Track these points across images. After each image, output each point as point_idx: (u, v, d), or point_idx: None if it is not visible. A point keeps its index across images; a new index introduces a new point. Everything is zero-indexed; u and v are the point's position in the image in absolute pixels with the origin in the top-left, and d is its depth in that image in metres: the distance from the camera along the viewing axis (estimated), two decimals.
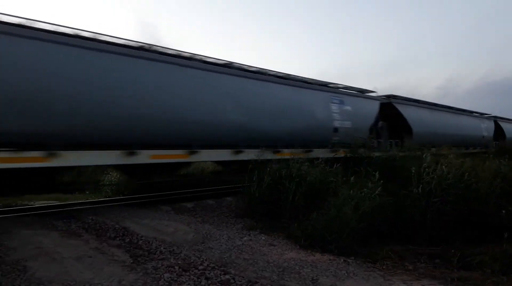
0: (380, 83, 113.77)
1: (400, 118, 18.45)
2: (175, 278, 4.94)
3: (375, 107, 17.49)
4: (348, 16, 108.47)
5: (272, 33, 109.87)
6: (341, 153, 13.41)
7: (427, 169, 7.94)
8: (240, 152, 11.47)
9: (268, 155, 11.07)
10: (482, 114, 28.28)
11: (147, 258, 5.73)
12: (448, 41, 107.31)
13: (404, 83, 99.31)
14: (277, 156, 11.84)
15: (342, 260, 6.17)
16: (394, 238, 7.14)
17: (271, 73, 13.53)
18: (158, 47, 10.44)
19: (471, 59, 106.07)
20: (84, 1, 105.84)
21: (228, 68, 11.94)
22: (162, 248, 6.27)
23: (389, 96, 19.14)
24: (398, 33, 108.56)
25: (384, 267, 5.99)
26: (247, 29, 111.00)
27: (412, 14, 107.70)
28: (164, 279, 4.89)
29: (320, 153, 13.03)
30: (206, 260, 5.73)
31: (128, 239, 6.74)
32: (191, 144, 10.45)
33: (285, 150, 12.42)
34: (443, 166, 8.00)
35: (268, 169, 9.67)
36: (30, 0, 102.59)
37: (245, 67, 12.75)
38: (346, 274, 5.54)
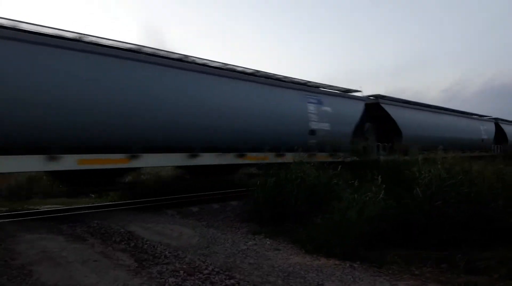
0: (386, 87, 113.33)
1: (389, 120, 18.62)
2: (180, 283, 4.93)
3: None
4: (353, 20, 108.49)
5: (277, 36, 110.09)
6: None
7: (422, 172, 7.93)
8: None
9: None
10: (481, 116, 28.94)
11: (152, 263, 5.73)
12: (454, 44, 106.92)
13: (409, 86, 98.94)
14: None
15: (347, 264, 6.14)
16: (400, 242, 7.09)
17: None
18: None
19: (478, 61, 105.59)
20: (87, 4, 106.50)
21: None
22: (167, 252, 6.27)
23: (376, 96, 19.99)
24: (405, 37, 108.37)
25: (390, 271, 5.94)
26: (252, 32, 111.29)
27: (419, 17, 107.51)
28: (169, 284, 4.88)
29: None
30: (211, 264, 5.72)
31: (133, 243, 6.75)
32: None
33: None
34: (440, 168, 7.96)
35: (271, 171, 9.67)
36: (35, 1, 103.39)
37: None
38: (352, 279, 5.50)
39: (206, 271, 5.38)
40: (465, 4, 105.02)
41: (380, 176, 8.10)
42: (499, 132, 29.37)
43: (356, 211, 6.93)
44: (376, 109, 17.77)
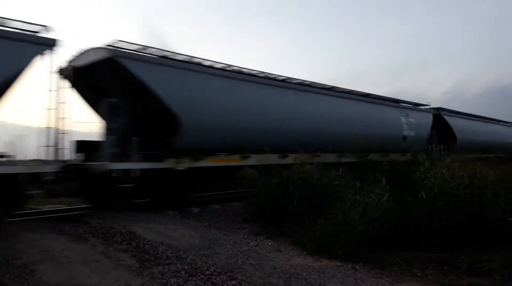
0: (388, 88, 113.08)
1: None
2: (182, 283, 4.93)
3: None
4: (354, 20, 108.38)
5: (279, 36, 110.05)
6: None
7: (427, 174, 7.90)
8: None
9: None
10: (417, 104, 21.28)
11: (154, 263, 5.73)
12: (456, 45, 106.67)
13: (411, 87, 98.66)
14: None
15: (349, 266, 6.12)
16: (402, 244, 7.07)
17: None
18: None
19: (480, 63, 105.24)
20: (87, 3, 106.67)
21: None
22: (168, 252, 6.27)
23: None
24: (406, 38, 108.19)
25: (392, 273, 5.92)
26: (253, 30, 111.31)
27: (421, 18, 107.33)
28: (171, 284, 4.88)
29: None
30: (212, 265, 5.72)
31: (135, 244, 6.75)
32: None
33: None
34: (444, 171, 7.93)
35: (273, 172, 9.65)
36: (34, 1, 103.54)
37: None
38: (353, 280, 5.49)
39: (207, 272, 5.38)
40: (465, 5, 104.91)
41: (383, 178, 8.07)
42: (444, 128, 21.26)
43: (359, 213, 6.91)
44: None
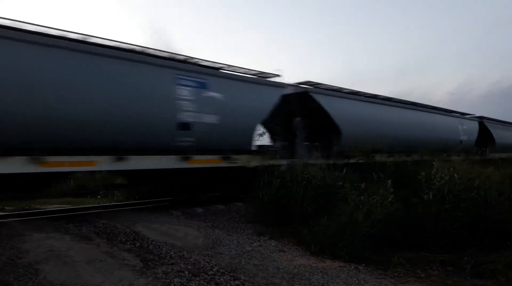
0: (392, 88, 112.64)
1: None
2: (185, 283, 4.95)
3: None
4: (358, 20, 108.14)
5: (282, 36, 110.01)
6: None
7: (437, 176, 7.86)
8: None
9: None
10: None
11: (157, 263, 5.75)
12: (460, 46, 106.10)
13: (415, 88, 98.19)
14: None
15: (353, 267, 6.12)
16: (406, 244, 7.06)
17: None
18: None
19: (485, 63, 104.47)
20: (93, 4, 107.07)
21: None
22: (172, 252, 6.29)
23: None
24: (410, 38, 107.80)
25: (395, 274, 5.92)
26: (255, 30, 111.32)
27: (424, 18, 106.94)
28: (174, 284, 4.90)
29: None
30: (216, 265, 5.73)
31: (139, 243, 6.78)
32: None
33: None
34: (455, 173, 7.89)
35: (276, 172, 9.65)
36: (41, 1, 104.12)
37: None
38: (357, 281, 5.49)
39: (211, 272, 5.40)
40: (470, 3, 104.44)
41: (390, 180, 8.05)
42: (325, 117, 13.61)
43: (363, 214, 6.90)
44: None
